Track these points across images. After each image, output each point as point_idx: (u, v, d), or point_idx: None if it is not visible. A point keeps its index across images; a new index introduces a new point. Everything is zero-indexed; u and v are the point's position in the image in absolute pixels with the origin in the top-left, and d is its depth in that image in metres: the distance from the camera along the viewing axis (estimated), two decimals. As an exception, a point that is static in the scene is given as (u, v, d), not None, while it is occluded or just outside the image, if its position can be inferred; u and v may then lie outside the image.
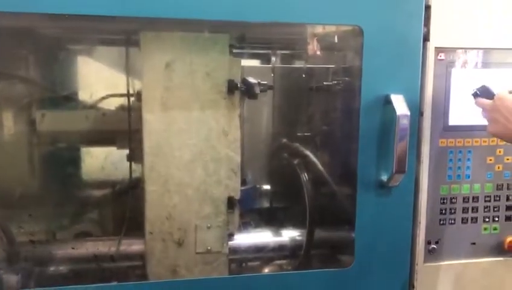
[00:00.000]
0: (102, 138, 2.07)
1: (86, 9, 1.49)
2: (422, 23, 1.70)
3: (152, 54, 1.73)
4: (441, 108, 1.77)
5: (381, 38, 1.68)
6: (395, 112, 1.65)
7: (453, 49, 1.76)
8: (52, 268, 1.84)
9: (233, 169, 1.82)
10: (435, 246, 1.82)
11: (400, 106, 1.66)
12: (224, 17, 1.59)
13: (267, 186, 2.27)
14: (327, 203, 2.04)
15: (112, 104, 2.09)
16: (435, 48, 1.74)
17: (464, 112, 1.78)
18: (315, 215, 1.95)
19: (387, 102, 1.69)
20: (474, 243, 1.86)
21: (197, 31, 1.75)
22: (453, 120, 1.78)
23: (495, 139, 1.81)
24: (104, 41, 2.15)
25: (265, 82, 1.92)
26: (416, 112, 1.73)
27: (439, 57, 1.75)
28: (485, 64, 1.79)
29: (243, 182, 1.98)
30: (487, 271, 1.88)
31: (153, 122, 1.75)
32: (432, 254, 1.82)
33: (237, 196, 1.84)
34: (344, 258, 1.89)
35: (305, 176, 1.98)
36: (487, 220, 1.85)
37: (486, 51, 1.78)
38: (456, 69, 1.77)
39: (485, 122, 1.71)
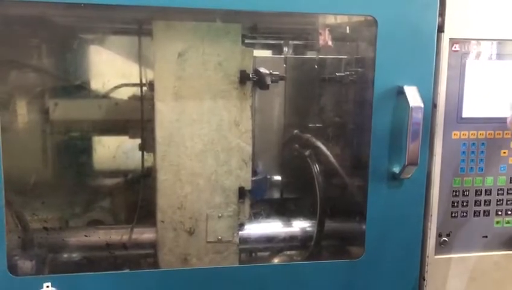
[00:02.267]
0: (114, 127, 2.08)
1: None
2: (437, 13, 1.68)
3: (164, 43, 1.73)
4: (455, 100, 1.75)
5: (395, 29, 1.66)
6: (408, 104, 1.64)
7: (468, 41, 1.74)
8: (64, 255, 1.87)
9: (245, 159, 1.82)
10: (446, 239, 1.81)
11: (414, 97, 1.65)
12: (236, 6, 1.59)
13: (278, 177, 2.26)
14: (338, 195, 2.04)
15: (124, 93, 2.09)
16: (450, 39, 1.72)
17: (478, 104, 1.76)
18: (326, 207, 1.95)
19: (401, 93, 1.67)
20: (486, 236, 1.84)
21: (210, 21, 1.74)
22: (467, 112, 1.76)
23: (509, 132, 1.79)
24: (116, 31, 2.15)
25: (276, 73, 1.91)
26: (430, 103, 1.71)
27: (453, 48, 1.73)
28: (500, 56, 1.77)
29: (254, 172, 1.98)
30: (499, 265, 1.87)
31: (165, 112, 1.75)
32: (443, 247, 1.82)
33: (248, 186, 1.84)
34: (354, 249, 1.89)
35: (316, 167, 1.98)
36: (500, 213, 1.84)
37: (502, 42, 1.76)
38: (470, 61, 1.75)
39: (499, 114, 1.70)
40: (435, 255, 1.82)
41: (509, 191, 1.83)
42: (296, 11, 1.65)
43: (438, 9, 1.68)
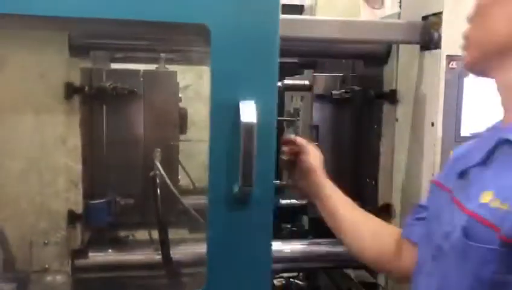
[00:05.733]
0: None
1: None
2: (278, 20, 1.46)
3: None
4: (453, 118, 1.71)
5: (230, 38, 1.46)
6: (240, 120, 1.42)
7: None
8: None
9: (73, 180, 1.69)
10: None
11: (247, 113, 1.43)
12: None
13: (130, 200, 1.92)
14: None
15: None
16: (446, 55, 1.68)
17: (477, 122, 1.71)
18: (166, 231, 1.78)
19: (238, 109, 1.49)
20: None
21: (32, 28, 1.60)
22: (465, 130, 1.72)
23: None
24: None
25: (125, 86, 1.79)
26: (272, 120, 1.50)
27: (450, 66, 1.69)
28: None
29: (101, 194, 1.82)
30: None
31: None
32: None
33: (79, 209, 1.71)
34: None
35: (157, 189, 1.78)
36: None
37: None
38: (468, 78, 1.69)
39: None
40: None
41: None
42: (118, 18, 1.44)
43: (279, 16, 1.49)
